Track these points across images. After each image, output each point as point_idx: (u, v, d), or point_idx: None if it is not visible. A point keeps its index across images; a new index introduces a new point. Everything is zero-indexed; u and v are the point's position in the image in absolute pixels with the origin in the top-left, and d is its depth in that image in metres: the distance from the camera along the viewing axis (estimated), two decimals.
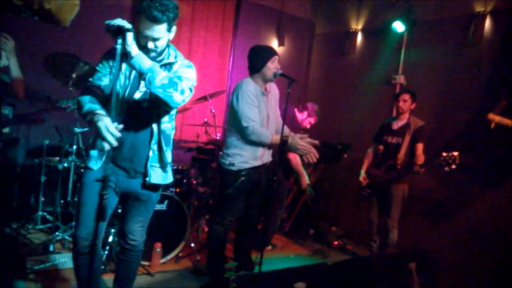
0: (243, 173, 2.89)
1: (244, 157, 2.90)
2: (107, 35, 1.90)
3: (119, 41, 1.84)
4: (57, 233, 3.45)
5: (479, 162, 3.93)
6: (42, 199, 3.63)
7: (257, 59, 2.95)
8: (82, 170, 2.19)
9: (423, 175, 3.76)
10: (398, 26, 4.66)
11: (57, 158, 3.71)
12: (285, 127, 2.79)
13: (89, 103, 1.98)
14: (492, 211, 3.75)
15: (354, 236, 4.95)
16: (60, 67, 3.36)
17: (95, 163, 2.11)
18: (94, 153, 2.13)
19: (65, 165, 3.66)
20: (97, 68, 2.11)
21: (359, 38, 5.48)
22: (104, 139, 1.78)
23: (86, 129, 3.60)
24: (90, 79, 2.10)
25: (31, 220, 3.66)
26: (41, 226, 3.69)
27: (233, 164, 2.90)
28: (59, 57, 3.32)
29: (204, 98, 4.38)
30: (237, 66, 5.47)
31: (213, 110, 4.34)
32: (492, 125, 3.43)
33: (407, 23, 4.61)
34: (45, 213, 3.69)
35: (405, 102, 3.79)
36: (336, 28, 5.84)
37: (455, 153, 3.24)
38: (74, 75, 3.35)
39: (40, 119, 3.64)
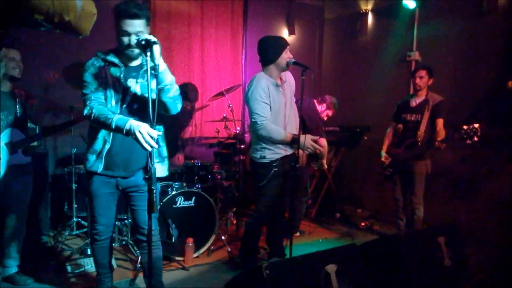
0: (274, 164, 2.98)
1: (272, 149, 2.97)
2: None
3: (148, 53, 1.98)
4: None
5: (502, 132, 3.87)
6: (75, 205, 3.78)
7: (271, 50, 2.98)
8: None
9: (446, 150, 3.74)
10: (410, 3, 4.60)
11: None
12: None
13: (112, 113, 2.17)
14: None
15: (380, 216, 4.97)
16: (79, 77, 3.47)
17: (98, 166, 2.31)
18: (92, 157, 2.32)
19: None
20: (90, 82, 2.25)
21: (370, 18, 5.43)
22: (146, 144, 2.00)
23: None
24: (88, 93, 2.24)
25: (67, 227, 3.81)
26: (77, 232, 3.84)
27: (264, 157, 2.98)
28: (79, 67, 3.43)
29: (221, 94, 4.45)
30: (250, 59, 5.50)
31: (230, 105, 4.40)
32: None
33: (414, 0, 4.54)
34: (79, 219, 3.84)
35: (422, 79, 3.74)
36: (345, 11, 5.80)
37: (476, 125, 3.19)
38: None
39: (66, 130, 3.77)
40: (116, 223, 3.58)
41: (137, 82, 2.30)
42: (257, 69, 5.74)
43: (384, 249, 2.52)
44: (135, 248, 3.46)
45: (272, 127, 2.90)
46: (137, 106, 2.31)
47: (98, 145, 2.30)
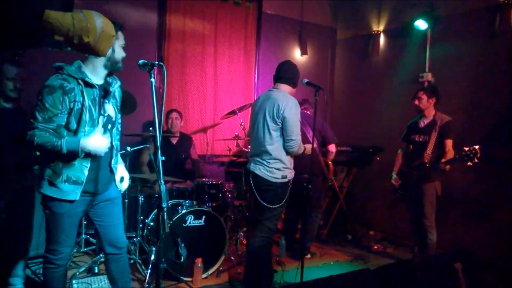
0: (290, 183, 3.06)
1: (292, 169, 3.06)
2: (134, 62, 2.05)
3: (152, 75, 2.01)
4: (101, 254, 3.57)
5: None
6: (84, 222, 3.77)
7: (298, 76, 3.15)
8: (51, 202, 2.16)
9: (460, 172, 3.67)
10: (421, 24, 4.60)
11: None
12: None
13: (56, 138, 2.06)
14: None
15: (393, 239, 4.86)
16: None
17: (76, 194, 2.16)
18: (66, 186, 2.13)
19: None
20: (48, 108, 2.06)
21: (382, 39, 5.45)
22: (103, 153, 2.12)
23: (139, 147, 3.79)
24: (41, 120, 2.06)
25: (75, 243, 3.80)
26: (85, 249, 3.82)
27: (286, 176, 3.00)
28: None
29: (233, 112, 4.47)
30: (262, 78, 5.55)
31: (242, 123, 4.41)
32: None
33: (429, 20, 4.56)
34: (88, 236, 3.83)
35: (420, 100, 3.74)
36: (357, 32, 5.84)
37: (476, 147, 3.20)
38: None
39: None
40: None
41: (109, 102, 2.28)
42: (269, 88, 5.78)
43: (399, 274, 2.45)
44: (143, 267, 3.42)
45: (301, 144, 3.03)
46: (110, 127, 2.30)
47: (75, 173, 2.14)
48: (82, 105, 2.12)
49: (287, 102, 2.93)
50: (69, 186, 2.15)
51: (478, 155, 3.19)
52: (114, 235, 2.40)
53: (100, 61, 2.21)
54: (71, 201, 2.17)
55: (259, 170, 3.00)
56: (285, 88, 3.09)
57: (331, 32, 6.17)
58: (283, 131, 2.94)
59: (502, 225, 3.89)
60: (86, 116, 2.13)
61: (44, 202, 2.20)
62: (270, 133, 2.96)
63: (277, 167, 2.97)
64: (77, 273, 3.30)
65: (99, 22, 2.09)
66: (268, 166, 2.98)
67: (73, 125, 2.13)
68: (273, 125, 2.95)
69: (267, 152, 2.97)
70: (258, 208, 3.07)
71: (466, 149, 3.24)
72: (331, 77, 6.21)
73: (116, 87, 2.36)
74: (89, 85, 2.16)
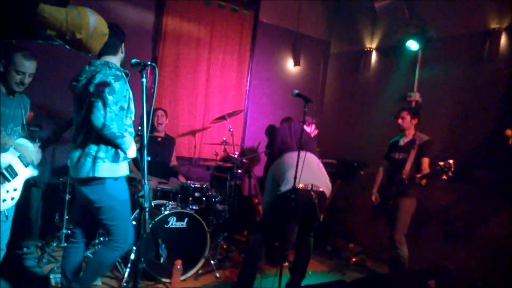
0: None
1: None
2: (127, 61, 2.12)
3: (144, 75, 2.09)
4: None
5: (495, 177, 3.92)
6: (67, 217, 3.74)
7: None
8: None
9: (440, 191, 3.74)
10: (413, 44, 4.70)
11: None
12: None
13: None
14: (510, 226, 3.71)
15: (372, 252, 4.92)
16: None
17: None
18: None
19: None
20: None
21: (374, 56, 5.55)
22: None
23: None
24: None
25: (55, 238, 3.77)
26: (65, 244, 3.79)
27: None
28: None
29: (222, 118, 4.50)
30: (254, 86, 5.60)
31: (231, 129, 4.44)
32: (510, 141, 3.45)
33: (421, 41, 4.65)
34: (69, 231, 3.79)
35: (404, 120, 3.86)
36: (351, 47, 5.93)
37: (451, 161, 3.31)
38: None
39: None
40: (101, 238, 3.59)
41: None
42: (260, 96, 5.84)
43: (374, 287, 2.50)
44: (122, 266, 3.41)
45: None
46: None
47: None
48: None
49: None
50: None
51: (452, 169, 3.30)
52: None
53: (118, 60, 2.53)
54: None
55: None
56: None
57: (325, 45, 6.26)
58: None
59: (480, 244, 3.98)
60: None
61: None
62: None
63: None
64: (55, 268, 3.28)
65: (93, 19, 2.10)
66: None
67: None
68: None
69: None
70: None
71: (441, 163, 3.36)
72: (322, 89, 6.29)
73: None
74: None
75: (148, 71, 4.52)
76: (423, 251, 4.18)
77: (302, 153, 2.84)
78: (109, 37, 2.13)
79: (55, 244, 3.73)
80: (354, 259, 4.62)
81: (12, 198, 2.46)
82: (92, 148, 2.38)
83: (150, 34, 4.77)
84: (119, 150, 2.42)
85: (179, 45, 4.93)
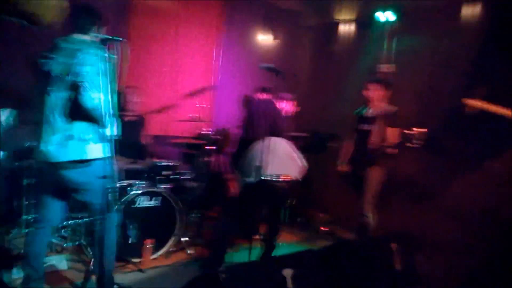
0: None
1: None
2: None
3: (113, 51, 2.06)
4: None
5: (460, 145, 4.06)
6: (26, 202, 3.59)
7: None
8: None
9: (400, 159, 3.85)
10: (383, 16, 4.73)
11: None
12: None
13: None
14: (471, 190, 3.89)
15: (341, 222, 5.06)
16: None
17: None
18: None
19: None
20: None
21: (345, 28, 5.54)
22: None
23: None
24: None
25: (16, 225, 3.61)
26: (27, 230, 3.65)
27: None
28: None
29: (192, 94, 4.41)
30: (225, 62, 5.47)
31: (202, 105, 4.37)
32: (469, 109, 3.56)
33: (391, 13, 4.69)
34: (29, 217, 3.66)
35: (372, 91, 3.91)
36: (323, 20, 5.88)
37: (418, 130, 3.39)
38: None
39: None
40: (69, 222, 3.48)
41: None
42: (231, 72, 5.74)
43: (339, 254, 2.57)
44: (89, 249, 3.34)
45: None
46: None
47: None
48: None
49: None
50: None
51: (419, 138, 3.38)
52: None
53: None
54: None
55: None
56: None
57: (297, 17, 6.14)
58: None
59: (444, 209, 4.16)
60: None
61: None
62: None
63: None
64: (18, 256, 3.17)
65: None
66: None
67: None
68: None
69: None
70: None
71: (408, 132, 3.44)
72: (294, 63, 6.22)
73: None
74: None
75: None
76: (390, 218, 4.33)
77: (269, 141, 2.80)
78: (82, 15, 2.21)
79: (15, 231, 3.58)
80: (323, 229, 4.75)
81: None
82: (77, 130, 2.32)
83: (117, 7, 4.53)
84: (104, 130, 2.33)
85: (146, 18, 4.73)
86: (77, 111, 2.27)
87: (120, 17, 4.54)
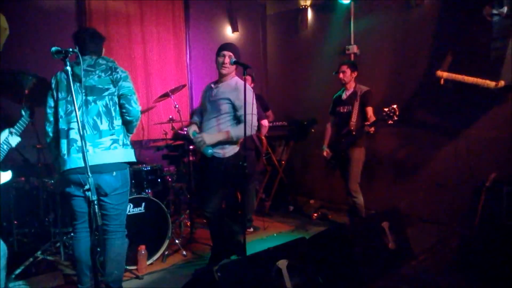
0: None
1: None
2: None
3: (68, 63, 1.98)
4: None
5: (433, 117, 4.16)
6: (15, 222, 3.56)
7: None
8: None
9: (385, 138, 3.91)
10: None
11: (23, 179, 3.66)
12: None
13: None
14: (450, 160, 4.01)
15: (332, 205, 5.14)
16: (10, 86, 3.28)
17: None
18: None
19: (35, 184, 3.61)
20: None
21: (310, 14, 5.56)
22: None
23: None
24: None
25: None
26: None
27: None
28: (5, 77, 3.25)
29: (166, 95, 4.37)
30: (194, 58, 5.45)
31: (177, 106, 4.34)
32: (442, 81, 3.64)
33: None
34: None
35: (344, 73, 3.97)
36: (286, 7, 5.88)
37: (394, 106, 3.50)
38: (26, 91, 3.24)
39: None
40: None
41: None
42: (202, 68, 5.69)
43: (332, 239, 2.61)
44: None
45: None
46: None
47: None
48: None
49: (239, 88, 3.02)
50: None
51: (397, 113, 3.49)
52: None
53: None
54: None
55: None
56: None
57: (261, 7, 6.15)
58: None
59: (424, 181, 4.27)
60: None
61: None
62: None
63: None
64: (12, 276, 3.14)
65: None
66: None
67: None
68: None
69: None
70: None
71: (386, 109, 3.54)
72: (263, 54, 6.24)
73: None
74: None
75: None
76: (376, 195, 4.43)
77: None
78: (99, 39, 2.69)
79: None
80: (316, 214, 4.80)
81: None
82: (119, 135, 2.54)
83: (74, 17, 4.46)
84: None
85: (108, 24, 4.65)
86: (120, 119, 2.55)
87: (78, 25, 4.45)
